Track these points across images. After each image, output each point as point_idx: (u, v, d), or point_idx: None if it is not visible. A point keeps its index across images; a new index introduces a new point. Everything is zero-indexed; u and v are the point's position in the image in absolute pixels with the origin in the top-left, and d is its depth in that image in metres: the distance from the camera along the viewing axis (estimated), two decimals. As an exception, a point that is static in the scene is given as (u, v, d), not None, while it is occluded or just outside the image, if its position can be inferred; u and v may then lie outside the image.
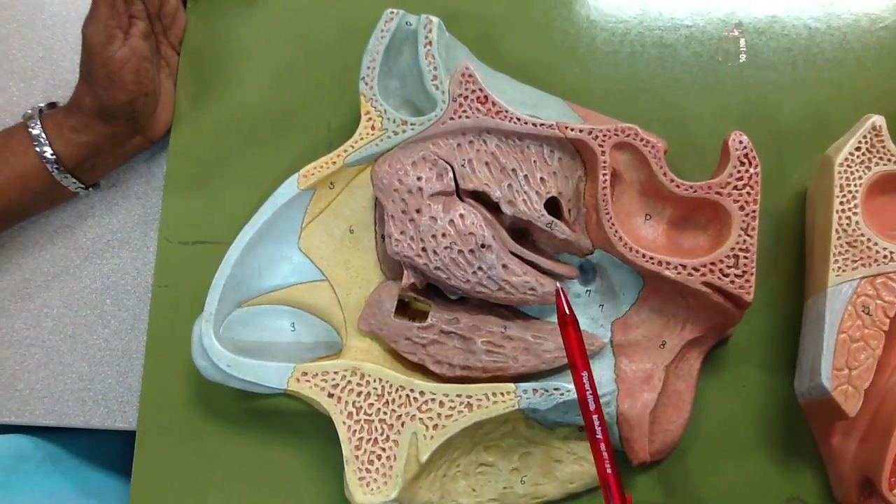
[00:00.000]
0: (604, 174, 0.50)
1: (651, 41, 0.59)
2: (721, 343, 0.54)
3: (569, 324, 0.46)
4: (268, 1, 0.62)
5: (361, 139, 0.53)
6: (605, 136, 0.50)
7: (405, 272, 0.52)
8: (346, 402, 0.51)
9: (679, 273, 0.49)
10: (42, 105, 0.60)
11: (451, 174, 0.52)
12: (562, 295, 0.46)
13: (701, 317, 0.51)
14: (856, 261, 0.49)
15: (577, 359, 0.46)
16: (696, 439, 0.54)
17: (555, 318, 0.53)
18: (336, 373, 0.51)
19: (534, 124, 0.51)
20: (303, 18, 0.61)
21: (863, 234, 0.49)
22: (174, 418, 0.58)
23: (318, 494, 0.56)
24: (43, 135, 0.56)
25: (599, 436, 0.46)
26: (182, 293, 0.59)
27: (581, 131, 0.51)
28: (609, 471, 0.46)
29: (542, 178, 0.51)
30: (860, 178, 0.50)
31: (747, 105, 0.58)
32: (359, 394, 0.51)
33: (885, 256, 0.49)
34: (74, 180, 0.58)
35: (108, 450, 0.69)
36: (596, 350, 0.52)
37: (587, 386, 0.46)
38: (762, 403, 0.55)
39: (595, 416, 0.46)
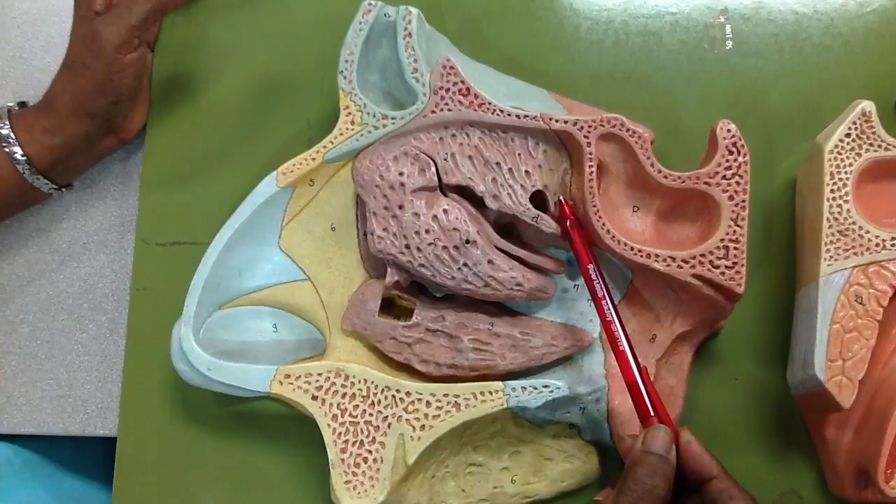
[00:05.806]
0: (590, 166, 0.50)
1: (636, 29, 0.58)
2: (712, 336, 0.54)
3: (573, 227, 0.50)
4: (243, -5, 0.61)
5: (341, 134, 0.52)
6: (590, 127, 0.50)
7: (389, 270, 0.51)
8: (331, 404, 0.50)
9: (668, 265, 0.49)
10: (11, 104, 0.59)
11: (433, 169, 0.51)
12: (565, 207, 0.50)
13: (691, 310, 0.51)
14: (847, 249, 0.49)
15: (584, 254, 0.49)
16: (688, 434, 0.54)
17: (542, 314, 0.53)
18: (320, 374, 0.50)
19: (517, 116, 0.50)
20: (279, 12, 0.61)
21: (854, 223, 0.49)
22: (155, 424, 0.57)
23: (305, 499, 0.55)
24: (12, 135, 0.55)
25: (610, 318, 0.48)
26: (161, 295, 0.58)
27: (566, 123, 0.50)
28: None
29: (526, 172, 0.51)
30: (851, 165, 0.49)
31: (734, 93, 0.57)
32: (343, 395, 0.50)
33: (877, 244, 0.49)
34: (47, 181, 0.57)
35: (89, 457, 0.68)
36: (585, 345, 0.51)
37: (594, 276, 0.49)
38: (755, 396, 0.54)
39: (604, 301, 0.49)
